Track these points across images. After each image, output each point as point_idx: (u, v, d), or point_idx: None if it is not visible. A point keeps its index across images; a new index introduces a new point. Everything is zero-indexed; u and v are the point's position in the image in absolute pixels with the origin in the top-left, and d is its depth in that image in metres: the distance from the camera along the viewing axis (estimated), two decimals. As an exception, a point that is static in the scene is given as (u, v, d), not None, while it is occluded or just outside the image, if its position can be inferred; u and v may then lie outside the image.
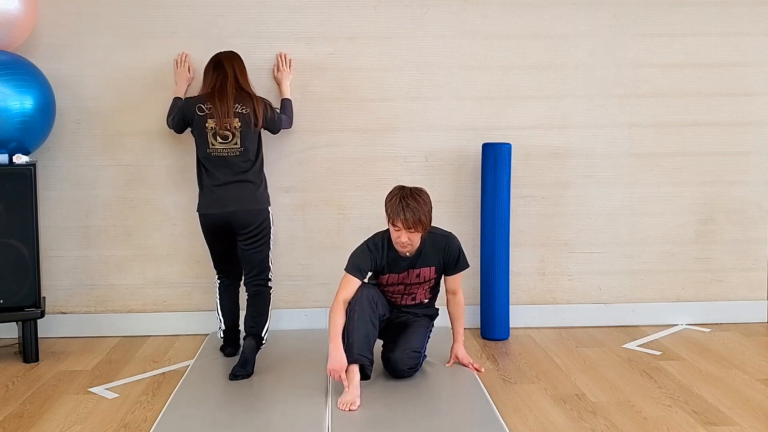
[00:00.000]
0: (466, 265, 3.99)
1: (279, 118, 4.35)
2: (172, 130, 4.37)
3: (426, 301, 4.04)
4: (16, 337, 4.39)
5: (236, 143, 4.06)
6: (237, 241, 4.13)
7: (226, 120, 4.04)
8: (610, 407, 3.56)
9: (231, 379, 3.86)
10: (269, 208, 4.20)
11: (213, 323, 4.46)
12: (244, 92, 4.14)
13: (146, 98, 4.58)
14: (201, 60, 4.31)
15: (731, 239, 4.89)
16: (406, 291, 3.96)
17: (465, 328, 4.15)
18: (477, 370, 3.99)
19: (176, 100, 4.38)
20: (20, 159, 4.17)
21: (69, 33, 4.54)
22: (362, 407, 3.49)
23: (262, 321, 4.09)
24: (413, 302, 4.00)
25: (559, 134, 4.77)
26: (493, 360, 4.26)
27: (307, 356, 4.22)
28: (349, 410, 3.46)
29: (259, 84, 4.39)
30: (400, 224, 3.67)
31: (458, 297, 4.03)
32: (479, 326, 4.69)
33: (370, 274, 3.89)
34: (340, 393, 3.58)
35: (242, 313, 4.20)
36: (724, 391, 3.74)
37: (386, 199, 3.78)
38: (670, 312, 4.88)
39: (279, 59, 4.58)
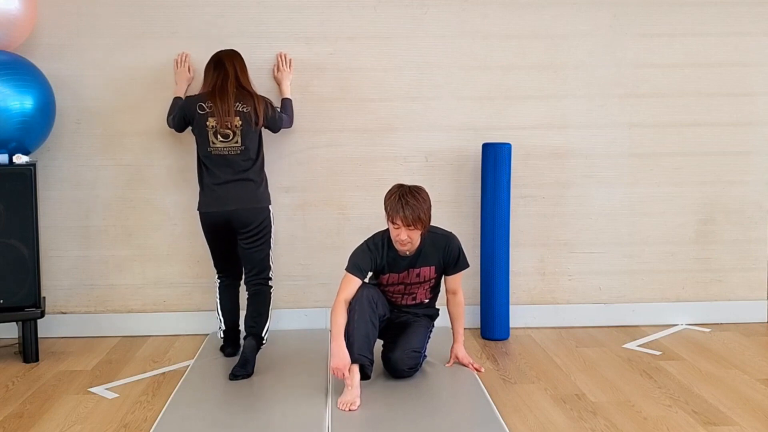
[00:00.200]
0: (466, 265, 3.99)
1: (280, 117, 4.35)
2: (173, 130, 4.37)
3: (426, 301, 4.04)
4: (16, 337, 4.40)
5: (237, 142, 4.06)
6: (237, 239, 4.13)
7: (227, 118, 4.04)
8: (610, 407, 3.56)
9: (231, 379, 3.86)
10: (270, 207, 4.20)
11: (213, 323, 4.46)
12: (245, 90, 4.14)
13: (146, 98, 4.59)
14: (201, 60, 4.31)
15: (731, 239, 4.89)
16: (407, 291, 3.96)
17: (465, 328, 4.15)
18: (477, 370, 3.99)
19: (176, 99, 4.38)
20: (20, 159, 4.17)
21: (69, 33, 4.54)
22: (362, 407, 3.49)
23: (263, 321, 4.09)
24: (413, 302, 4.00)
25: (559, 134, 4.77)
26: (493, 360, 4.26)
27: (307, 356, 4.22)
28: (349, 410, 3.46)
29: (260, 84, 4.39)
30: (399, 221, 3.68)
31: (458, 297, 4.03)
32: (479, 326, 4.69)
33: (370, 274, 3.89)
34: (340, 393, 3.57)
35: (242, 313, 4.21)
36: (724, 391, 3.74)
37: (385, 197, 3.78)
38: (670, 312, 4.88)
39: (279, 59, 4.58)
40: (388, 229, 3.84)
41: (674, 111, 4.80)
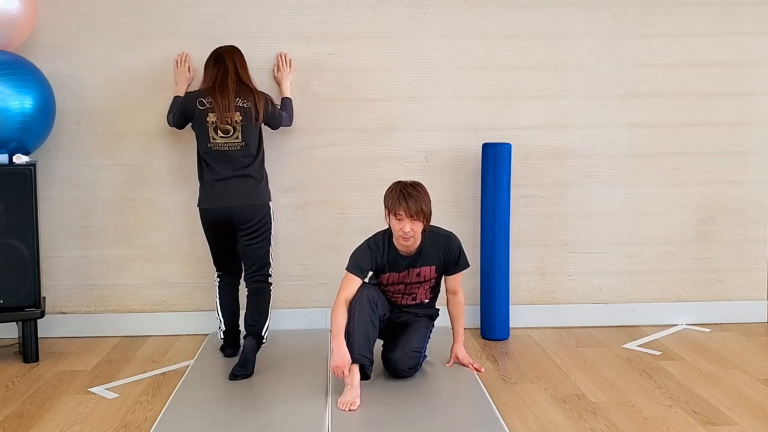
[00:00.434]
0: (467, 265, 3.99)
1: (279, 113, 4.35)
2: (173, 128, 4.37)
3: (426, 301, 4.04)
4: (16, 337, 4.40)
5: (237, 137, 4.06)
6: (237, 236, 4.12)
7: (227, 114, 4.03)
8: (610, 407, 3.56)
9: (231, 379, 3.85)
10: (270, 204, 4.19)
11: (213, 323, 4.46)
12: (245, 86, 4.13)
13: (146, 98, 4.59)
14: (201, 60, 4.30)
15: (731, 239, 4.89)
16: (407, 291, 3.96)
17: (465, 328, 4.15)
18: (477, 370, 3.99)
19: (176, 99, 4.37)
20: (20, 159, 4.17)
21: (69, 33, 4.54)
22: (362, 407, 3.49)
23: (263, 319, 4.08)
24: (413, 302, 4.00)
25: (559, 134, 4.77)
26: (493, 360, 4.26)
27: (307, 356, 4.22)
28: (349, 410, 3.46)
29: (260, 84, 4.38)
30: (402, 213, 3.68)
31: (458, 297, 4.03)
32: (479, 326, 4.69)
33: (370, 274, 3.89)
34: (340, 393, 3.57)
35: (242, 313, 4.20)
36: (724, 391, 3.74)
37: (385, 194, 3.79)
38: (670, 312, 4.88)
39: (279, 59, 4.58)
40: (388, 229, 3.84)
41: (674, 111, 4.80)
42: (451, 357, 4.07)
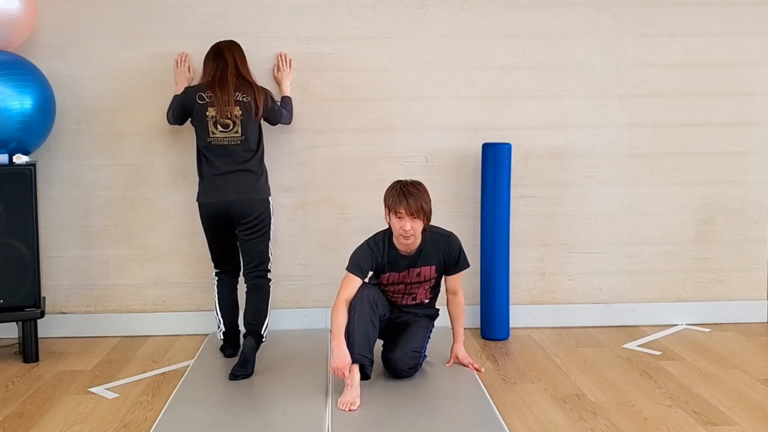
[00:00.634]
0: (467, 265, 3.99)
1: (279, 109, 4.34)
2: (173, 127, 4.38)
3: (426, 301, 4.04)
4: (16, 337, 4.40)
5: (237, 132, 4.05)
6: (237, 231, 4.11)
7: (227, 108, 4.02)
8: (610, 407, 3.56)
9: (231, 379, 3.85)
10: (270, 199, 4.18)
11: (213, 323, 4.45)
12: (244, 80, 4.13)
13: (146, 98, 4.59)
14: (201, 60, 4.29)
15: (731, 239, 4.89)
16: (407, 291, 3.96)
17: (465, 328, 4.15)
18: (477, 370, 3.99)
19: (175, 98, 4.37)
20: (20, 159, 4.17)
21: (69, 33, 4.54)
22: (362, 407, 3.49)
23: (262, 317, 4.08)
24: (414, 302, 4.00)
25: (559, 134, 4.77)
26: (493, 360, 4.26)
27: (307, 356, 4.21)
28: (349, 410, 3.46)
29: (260, 83, 4.38)
30: (402, 211, 3.68)
31: (458, 297, 4.03)
32: (479, 326, 4.69)
33: (371, 274, 3.89)
34: (340, 393, 3.57)
35: (240, 312, 4.20)
36: (724, 391, 3.74)
37: (385, 193, 3.80)
38: (670, 312, 4.88)
39: (279, 59, 4.58)
40: (388, 229, 3.84)
41: (674, 111, 4.80)
42: (451, 357, 4.07)
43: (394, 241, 3.82)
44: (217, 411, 3.52)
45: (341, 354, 3.59)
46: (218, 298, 4.26)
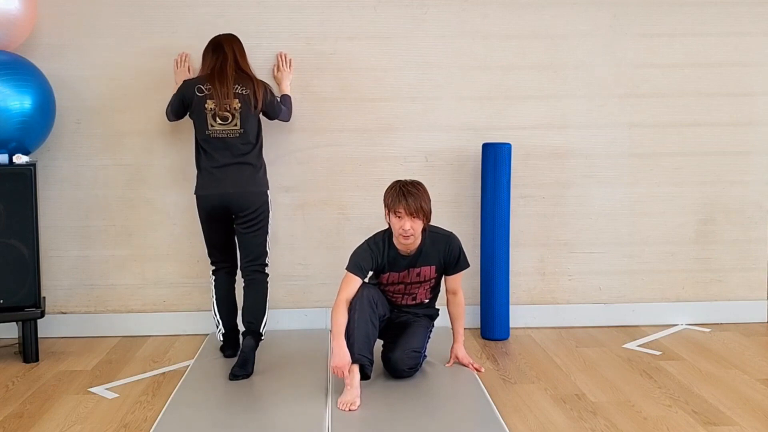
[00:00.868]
0: (467, 265, 3.99)
1: (278, 104, 4.33)
2: (173, 123, 4.36)
3: (426, 301, 4.04)
4: (16, 337, 4.40)
5: (236, 125, 4.04)
6: (234, 225, 4.10)
7: (226, 101, 4.01)
8: (610, 407, 3.56)
9: (231, 379, 3.85)
10: (268, 192, 4.17)
11: (213, 323, 4.45)
12: (244, 74, 4.12)
13: (146, 98, 4.59)
14: (201, 60, 4.30)
15: (731, 239, 4.89)
16: (407, 291, 3.96)
17: (465, 328, 4.15)
18: (477, 370, 3.99)
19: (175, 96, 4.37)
20: (20, 159, 4.17)
21: (69, 33, 4.54)
22: (362, 407, 3.49)
23: (260, 315, 4.07)
24: (413, 302, 4.00)
25: (559, 134, 4.77)
26: (493, 360, 4.26)
27: (307, 356, 4.21)
28: (349, 410, 3.46)
29: (259, 84, 4.40)
30: (402, 210, 3.68)
31: (458, 297, 4.03)
32: (479, 326, 4.69)
33: (371, 274, 3.89)
34: (340, 393, 3.57)
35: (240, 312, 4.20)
36: (724, 391, 3.74)
37: (385, 193, 3.80)
38: (670, 312, 4.88)
39: (279, 59, 4.58)
40: (388, 229, 3.84)
41: (674, 111, 4.80)
42: (451, 357, 4.07)
43: (394, 241, 3.82)
44: (217, 411, 3.52)
45: (341, 354, 3.59)
46: (216, 300, 4.25)
